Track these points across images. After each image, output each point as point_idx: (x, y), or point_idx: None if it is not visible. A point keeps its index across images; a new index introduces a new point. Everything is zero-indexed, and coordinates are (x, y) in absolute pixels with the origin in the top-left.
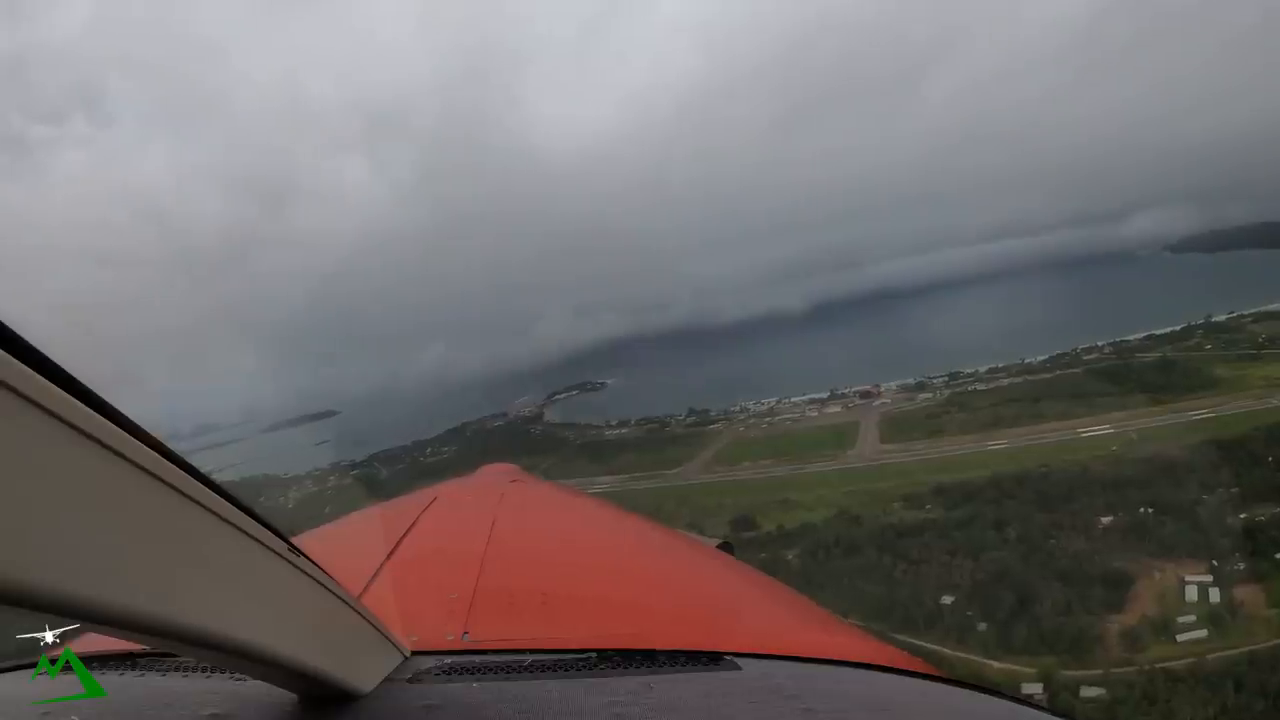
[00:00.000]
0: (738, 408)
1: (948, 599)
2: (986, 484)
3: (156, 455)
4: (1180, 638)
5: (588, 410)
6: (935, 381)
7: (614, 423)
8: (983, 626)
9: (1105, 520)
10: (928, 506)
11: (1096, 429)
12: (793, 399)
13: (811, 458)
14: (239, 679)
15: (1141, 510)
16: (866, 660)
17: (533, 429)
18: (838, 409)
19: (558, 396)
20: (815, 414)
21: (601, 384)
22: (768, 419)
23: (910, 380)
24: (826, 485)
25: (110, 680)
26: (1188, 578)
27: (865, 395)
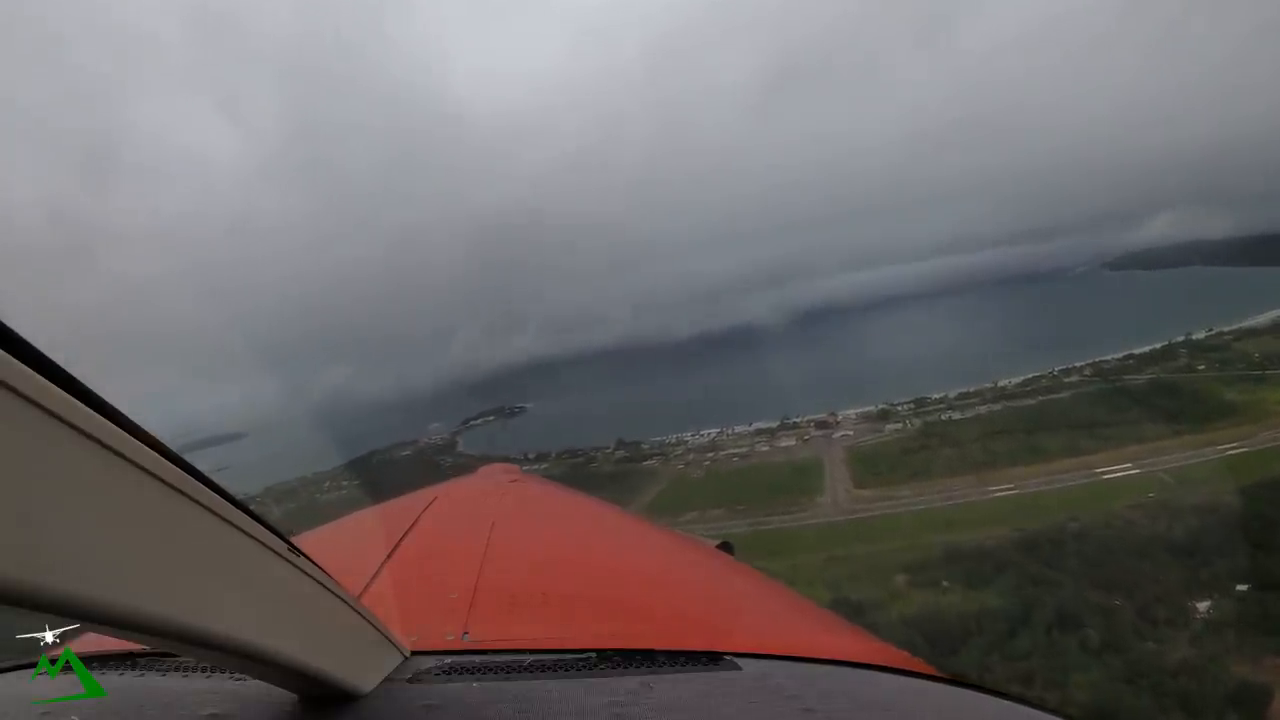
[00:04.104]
0: (673, 440)
1: None
2: (1015, 548)
3: (156, 455)
4: None
5: (505, 439)
6: (901, 409)
7: (532, 455)
8: None
9: (1202, 606)
10: (944, 584)
11: (1118, 469)
12: (736, 428)
13: (772, 507)
14: (239, 679)
15: (1238, 588)
16: (866, 660)
17: (443, 460)
18: (792, 442)
19: (473, 422)
20: (766, 448)
21: (521, 408)
22: (710, 454)
23: (872, 407)
24: (800, 548)
25: (110, 680)
26: None
27: (822, 425)
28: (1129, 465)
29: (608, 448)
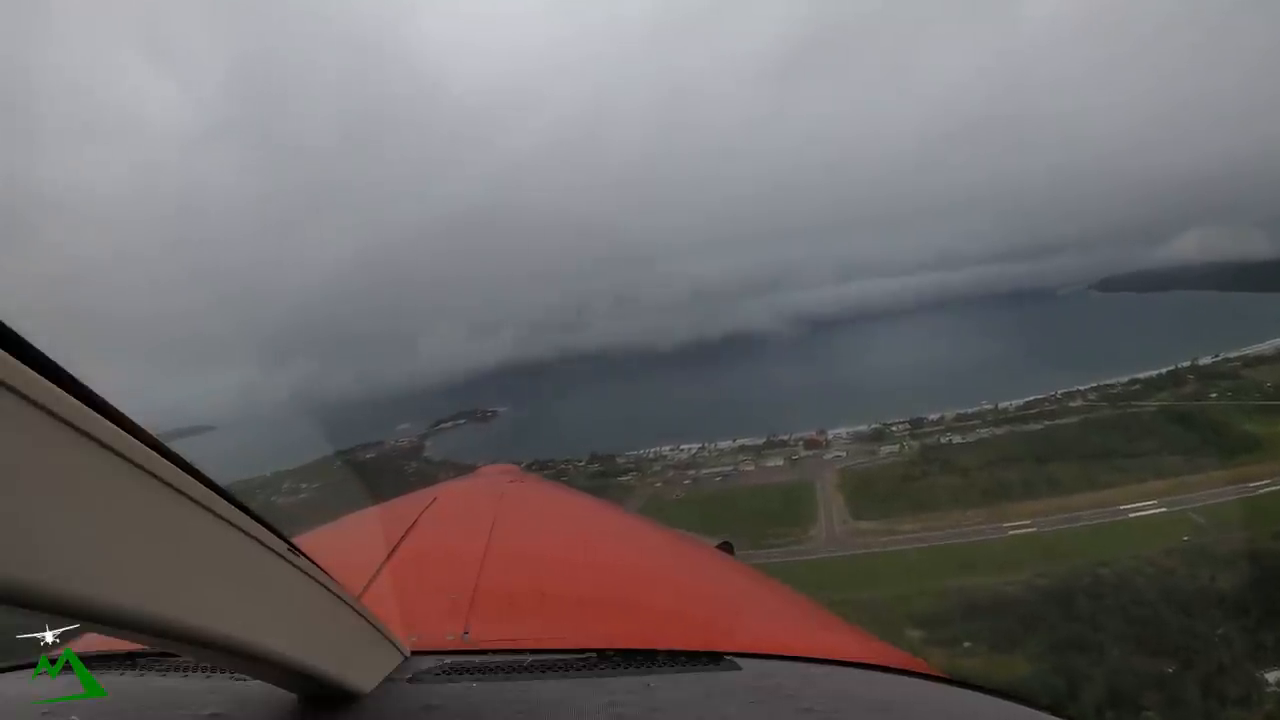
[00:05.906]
0: (651, 454)
1: None
2: (1043, 600)
3: (157, 455)
4: None
5: (475, 445)
6: (896, 429)
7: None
8: None
9: (1272, 678)
10: (966, 645)
11: (1143, 506)
12: (719, 444)
13: (761, 538)
14: (239, 679)
15: None
16: (866, 660)
17: (408, 465)
18: (780, 462)
19: (443, 425)
20: (751, 467)
21: (493, 413)
22: (690, 473)
23: (864, 426)
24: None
25: (110, 680)
26: None
27: (812, 445)
28: (1154, 503)
29: (580, 460)
